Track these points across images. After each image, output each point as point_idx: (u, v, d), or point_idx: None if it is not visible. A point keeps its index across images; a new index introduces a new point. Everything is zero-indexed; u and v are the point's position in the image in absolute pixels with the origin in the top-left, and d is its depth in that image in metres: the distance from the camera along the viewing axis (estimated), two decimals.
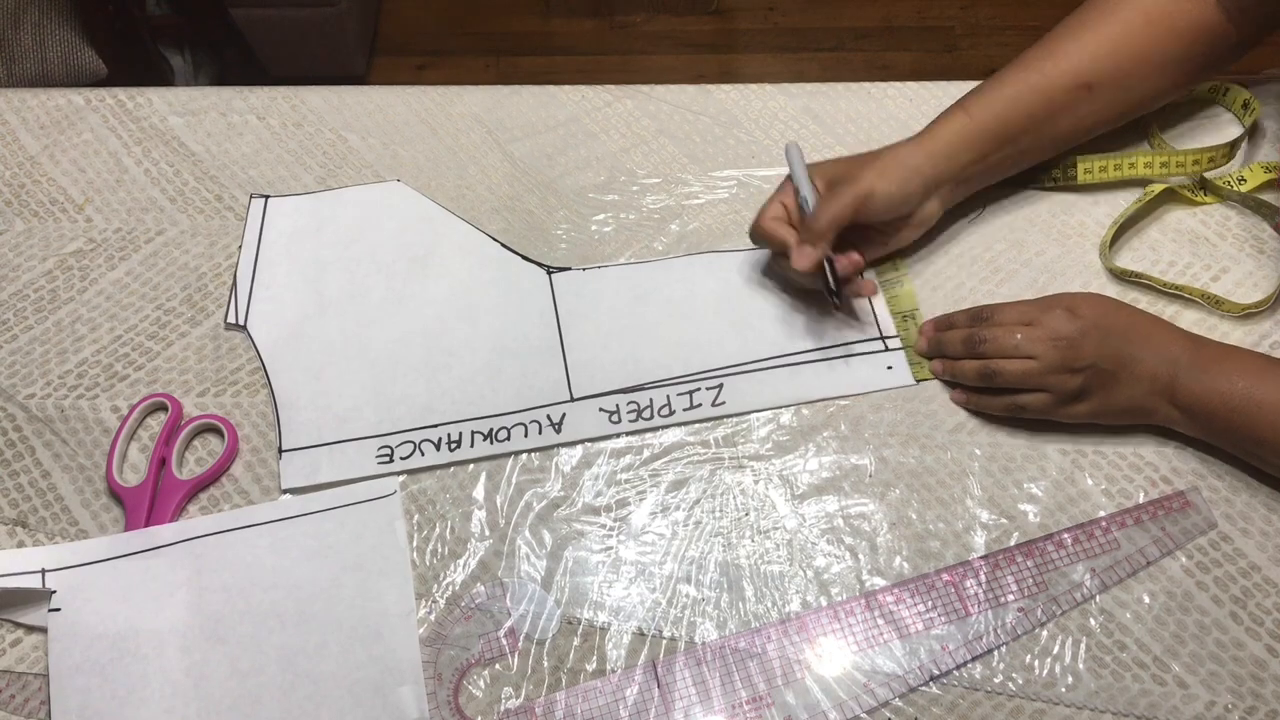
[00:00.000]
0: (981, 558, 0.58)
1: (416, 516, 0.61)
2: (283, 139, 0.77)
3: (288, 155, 0.75)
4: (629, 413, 0.64)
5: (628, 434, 0.63)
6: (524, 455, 0.63)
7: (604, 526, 0.60)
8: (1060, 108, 0.64)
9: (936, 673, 0.55)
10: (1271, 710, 0.53)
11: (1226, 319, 0.65)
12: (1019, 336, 0.59)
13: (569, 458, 0.62)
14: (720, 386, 0.65)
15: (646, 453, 0.63)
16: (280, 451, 0.63)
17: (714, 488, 0.61)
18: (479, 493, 0.61)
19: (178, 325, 0.68)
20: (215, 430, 0.64)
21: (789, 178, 0.65)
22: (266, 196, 0.74)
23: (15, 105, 0.79)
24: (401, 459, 0.63)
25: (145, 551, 0.59)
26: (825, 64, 1.85)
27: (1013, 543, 0.58)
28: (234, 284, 0.70)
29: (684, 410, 0.64)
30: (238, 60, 1.60)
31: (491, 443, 0.63)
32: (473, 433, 0.64)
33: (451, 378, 0.66)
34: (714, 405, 0.64)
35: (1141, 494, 0.60)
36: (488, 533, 0.60)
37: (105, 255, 0.71)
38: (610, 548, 0.60)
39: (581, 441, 0.63)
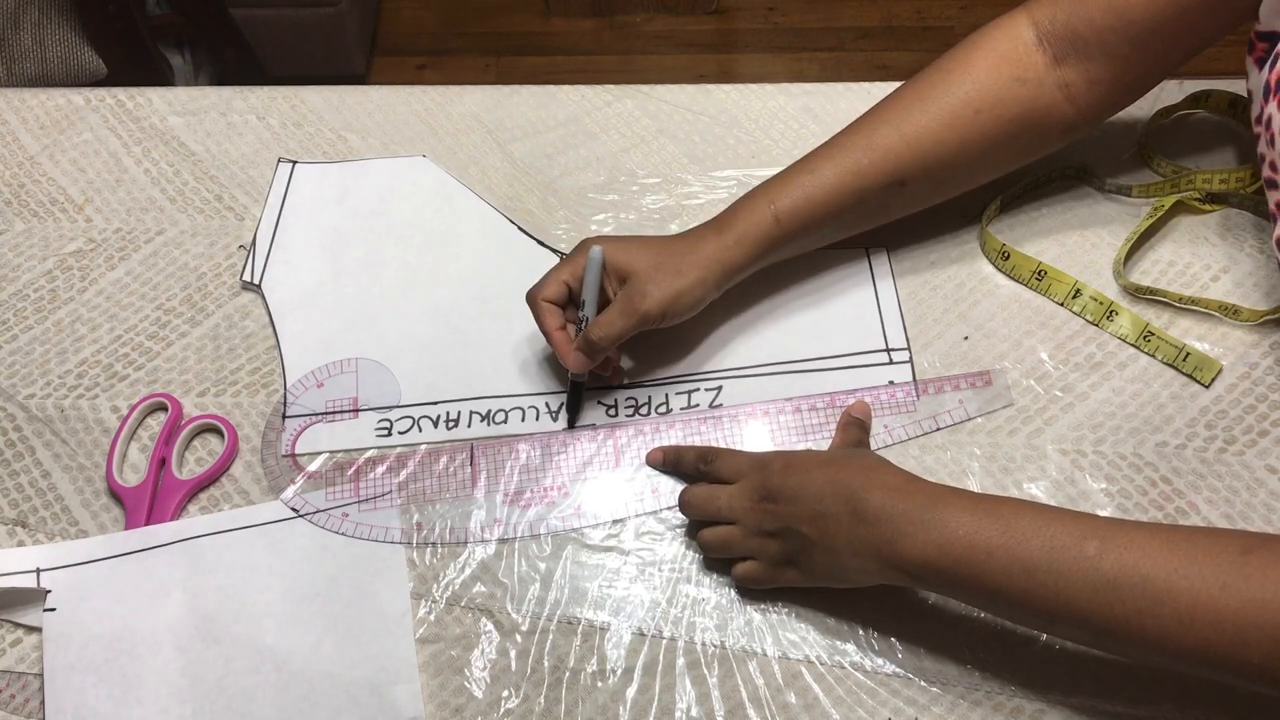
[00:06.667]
0: None
1: (416, 516, 0.61)
2: (283, 139, 0.77)
3: (288, 155, 0.75)
4: (626, 407, 0.64)
5: (624, 426, 0.63)
6: (525, 454, 0.63)
7: (605, 526, 0.60)
8: (872, 203, 0.62)
9: None
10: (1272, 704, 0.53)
11: (1241, 327, 0.64)
12: (721, 499, 0.57)
13: (569, 458, 0.62)
14: (720, 389, 0.65)
15: (645, 452, 0.63)
16: (284, 418, 0.63)
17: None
18: (479, 492, 0.61)
19: (178, 325, 0.68)
20: (215, 430, 0.64)
21: (574, 254, 0.61)
22: (294, 162, 0.75)
23: (15, 105, 0.79)
24: (400, 433, 0.63)
25: (141, 551, 0.59)
26: (825, 64, 1.85)
27: None
28: (253, 243, 0.71)
29: (681, 410, 0.64)
30: (238, 60, 1.60)
31: (489, 424, 0.64)
32: (471, 413, 0.64)
33: (456, 356, 0.66)
34: (711, 407, 0.64)
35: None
36: (487, 533, 0.60)
37: (105, 255, 0.71)
38: (611, 548, 0.60)
39: (577, 429, 0.63)
